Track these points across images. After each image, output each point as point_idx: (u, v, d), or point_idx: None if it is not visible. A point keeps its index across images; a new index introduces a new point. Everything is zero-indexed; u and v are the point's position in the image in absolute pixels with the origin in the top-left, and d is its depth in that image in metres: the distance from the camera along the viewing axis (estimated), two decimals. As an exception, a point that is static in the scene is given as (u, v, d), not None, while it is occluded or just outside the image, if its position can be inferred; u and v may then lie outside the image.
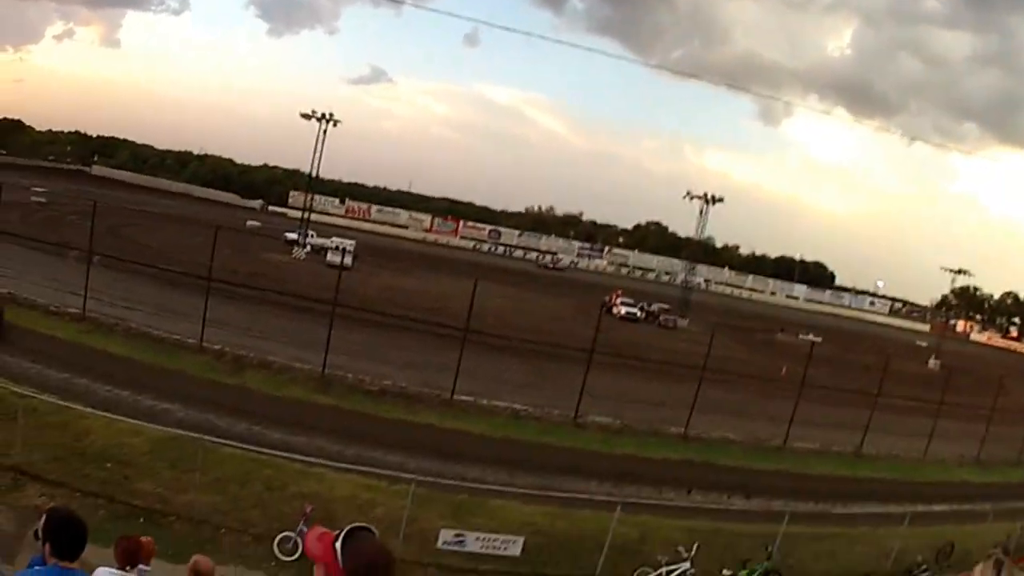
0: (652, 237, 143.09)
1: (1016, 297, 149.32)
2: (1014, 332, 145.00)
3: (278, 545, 17.13)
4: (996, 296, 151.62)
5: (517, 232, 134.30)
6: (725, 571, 19.05)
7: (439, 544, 18.26)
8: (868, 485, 30.55)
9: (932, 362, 73.69)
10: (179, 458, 19.40)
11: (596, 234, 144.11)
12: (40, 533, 5.37)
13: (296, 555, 16.87)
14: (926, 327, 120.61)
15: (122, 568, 8.00)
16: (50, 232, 49.90)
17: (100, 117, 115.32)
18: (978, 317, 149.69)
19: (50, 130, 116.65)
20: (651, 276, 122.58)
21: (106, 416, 20.93)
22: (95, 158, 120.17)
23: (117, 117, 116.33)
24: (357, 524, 3.43)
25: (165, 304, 35.09)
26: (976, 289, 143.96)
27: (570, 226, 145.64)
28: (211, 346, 30.84)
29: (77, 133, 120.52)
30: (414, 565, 18.02)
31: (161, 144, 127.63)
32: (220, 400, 25.90)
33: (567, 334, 41.71)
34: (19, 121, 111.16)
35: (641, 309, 74.23)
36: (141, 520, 17.27)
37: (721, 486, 27.31)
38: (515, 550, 18.59)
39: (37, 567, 6.09)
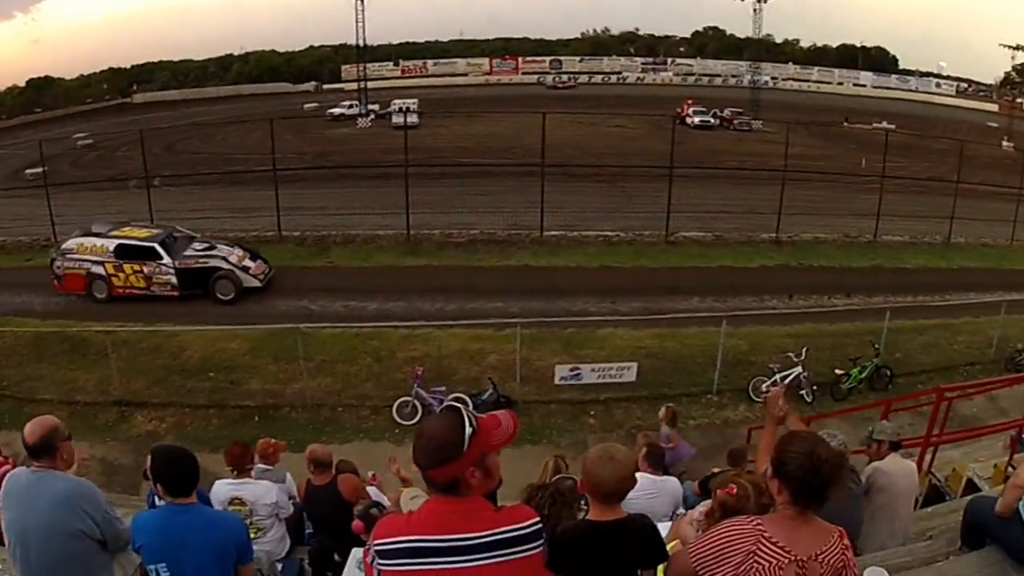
0: (712, 43, 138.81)
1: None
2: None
3: (397, 411, 18.15)
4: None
5: (577, 59, 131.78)
6: (837, 371, 20.06)
7: (557, 380, 19.18)
8: (962, 275, 30.49)
9: (1005, 143, 72.35)
10: (279, 351, 20.30)
11: (656, 47, 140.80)
12: (148, 474, 5.36)
13: (416, 419, 17.73)
14: (994, 107, 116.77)
15: (243, 474, 8.62)
16: (104, 169, 48.39)
17: (128, 49, 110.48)
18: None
19: (80, 75, 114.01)
20: (718, 81, 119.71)
21: (197, 329, 21.86)
22: (134, 88, 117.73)
23: (146, 44, 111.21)
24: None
25: (236, 205, 34.48)
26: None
27: (628, 43, 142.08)
28: (291, 234, 31.26)
29: (110, 69, 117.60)
30: (536, 404, 18.95)
31: (199, 56, 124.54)
32: (311, 284, 26.50)
33: (646, 152, 40.97)
34: (46, 77, 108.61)
35: (714, 116, 73.30)
36: (256, 419, 18.46)
37: (820, 288, 27.80)
38: (631, 376, 19.36)
39: (151, 508, 6.84)
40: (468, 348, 20.91)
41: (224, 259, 26.15)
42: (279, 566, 8.35)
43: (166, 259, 25.59)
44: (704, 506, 5.94)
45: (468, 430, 3.42)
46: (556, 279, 27.37)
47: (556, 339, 21.44)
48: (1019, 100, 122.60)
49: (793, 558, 3.68)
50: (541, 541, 3.60)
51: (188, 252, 26.34)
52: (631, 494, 6.83)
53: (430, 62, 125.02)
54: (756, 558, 3.70)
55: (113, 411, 18.79)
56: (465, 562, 3.40)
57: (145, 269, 25.56)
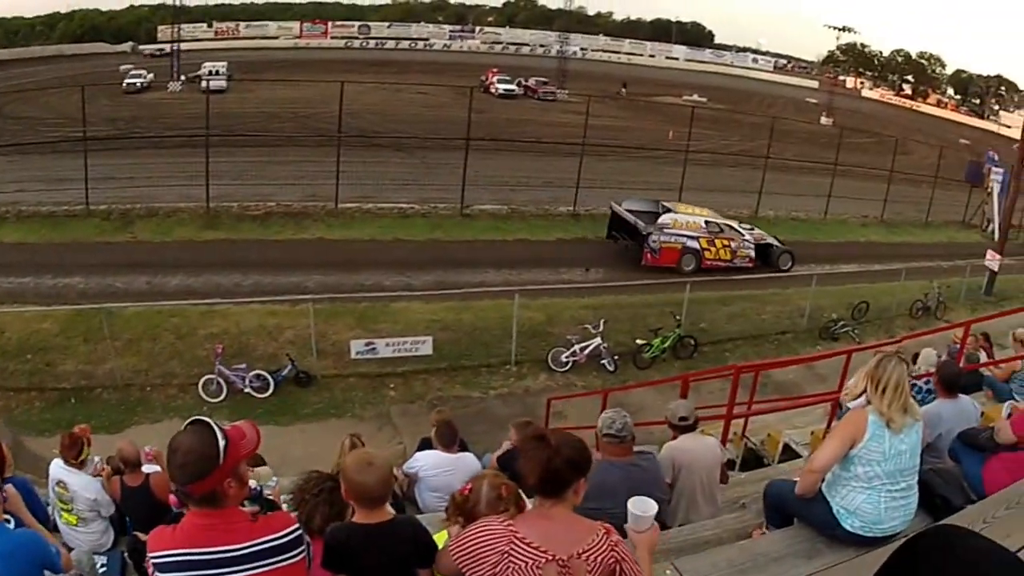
0: (523, 12, 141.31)
1: (908, 55, 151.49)
2: (908, 90, 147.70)
3: (203, 389, 18.10)
4: (886, 53, 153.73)
5: (386, 24, 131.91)
6: (638, 340, 20.68)
7: (353, 355, 19.28)
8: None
9: (824, 119, 75.09)
10: (89, 331, 19.74)
11: (466, 15, 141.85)
12: None
13: (222, 396, 18.05)
14: (814, 83, 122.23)
15: (71, 463, 8.39)
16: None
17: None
18: (868, 74, 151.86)
19: None
20: (526, 51, 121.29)
21: (13, 309, 21.19)
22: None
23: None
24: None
25: (53, 175, 33.10)
26: (864, 45, 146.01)
27: (439, 11, 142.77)
28: (98, 207, 30.14)
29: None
30: (335, 378, 19.28)
31: (30, 12, 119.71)
32: (115, 260, 25.69)
33: (447, 121, 40.37)
34: None
35: (518, 84, 74.09)
36: (72, 401, 17.91)
37: (618, 261, 28.40)
38: (427, 349, 19.70)
39: None
40: (265, 324, 21.16)
41: (775, 237, 31.20)
42: (102, 559, 8.26)
43: (747, 235, 29.78)
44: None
45: (222, 442, 3.52)
46: (351, 252, 27.46)
47: (351, 313, 21.82)
48: (841, 78, 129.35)
49: (551, 557, 3.70)
50: (302, 548, 3.80)
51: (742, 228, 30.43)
52: (429, 471, 7.72)
53: (243, 24, 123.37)
54: (511, 559, 3.72)
55: (-72, 397, 18.33)
56: (230, 574, 3.56)
57: (732, 244, 29.15)
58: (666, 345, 20.74)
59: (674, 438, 7.85)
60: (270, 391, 18.00)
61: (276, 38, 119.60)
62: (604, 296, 23.57)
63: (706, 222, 28.94)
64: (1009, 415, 6.95)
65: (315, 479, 5.39)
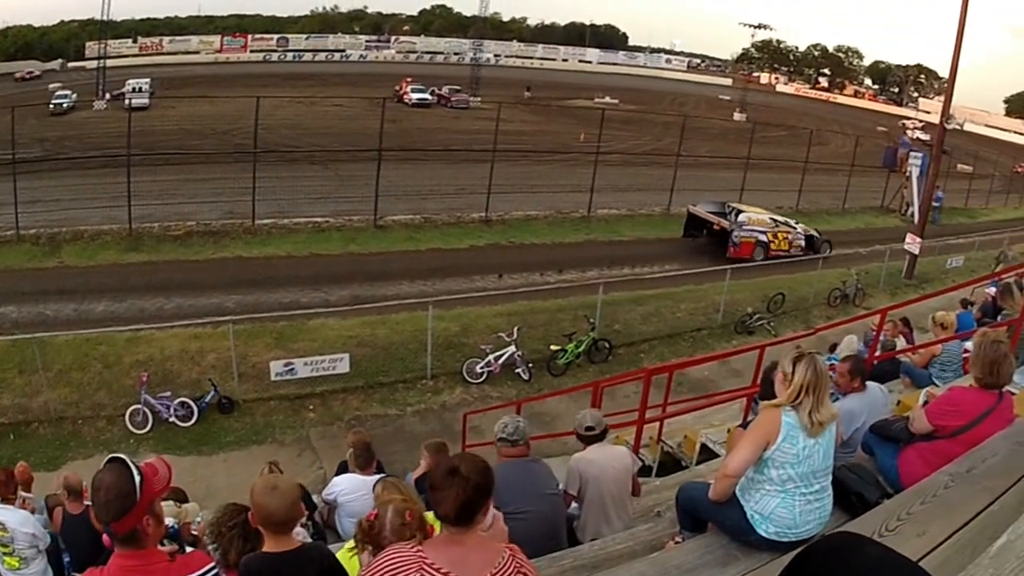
0: (438, 21, 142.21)
1: (824, 49, 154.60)
2: (824, 83, 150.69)
3: (129, 420, 17.50)
4: (802, 48, 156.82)
5: (304, 36, 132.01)
6: (553, 346, 20.52)
7: (273, 376, 18.94)
8: (683, 244, 33.10)
9: (737, 115, 75.91)
10: (23, 362, 19.10)
11: (382, 24, 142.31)
12: None
13: (148, 427, 17.44)
14: (728, 81, 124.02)
15: (7, 499, 8.38)
16: None
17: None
18: (784, 69, 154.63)
19: None
20: (440, 59, 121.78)
21: None
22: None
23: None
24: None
25: None
26: (779, 42, 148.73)
27: (356, 20, 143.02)
28: (28, 232, 29.43)
29: None
30: (256, 402, 18.83)
31: None
32: (45, 287, 25.10)
33: (361, 132, 40.53)
34: None
35: (432, 93, 74.51)
36: (12, 437, 17.30)
37: (532, 265, 28.52)
38: (344, 367, 19.43)
39: None
40: (188, 348, 20.53)
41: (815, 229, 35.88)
42: None
43: (798, 228, 34.48)
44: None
45: (137, 478, 3.53)
46: (268, 270, 27.23)
47: (269, 333, 21.36)
48: (756, 74, 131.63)
49: None
50: None
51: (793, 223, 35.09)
52: (348, 496, 7.69)
53: (166, 39, 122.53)
54: None
55: None
56: None
57: (789, 236, 33.66)
58: (580, 350, 20.68)
59: (584, 449, 7.74)
60: (194, 419, 17.54)
61: (197, 52, 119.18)
62: (519, 303, 23.54)
63: (771, 219, 34.06)
64: (925, 403, 6.73)
65: (230, 512, 5.37)
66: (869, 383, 7.87)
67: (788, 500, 5.11)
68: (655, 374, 11.60)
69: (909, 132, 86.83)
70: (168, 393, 18.00)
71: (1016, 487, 4.82)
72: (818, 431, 4.97)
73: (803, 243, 33.60)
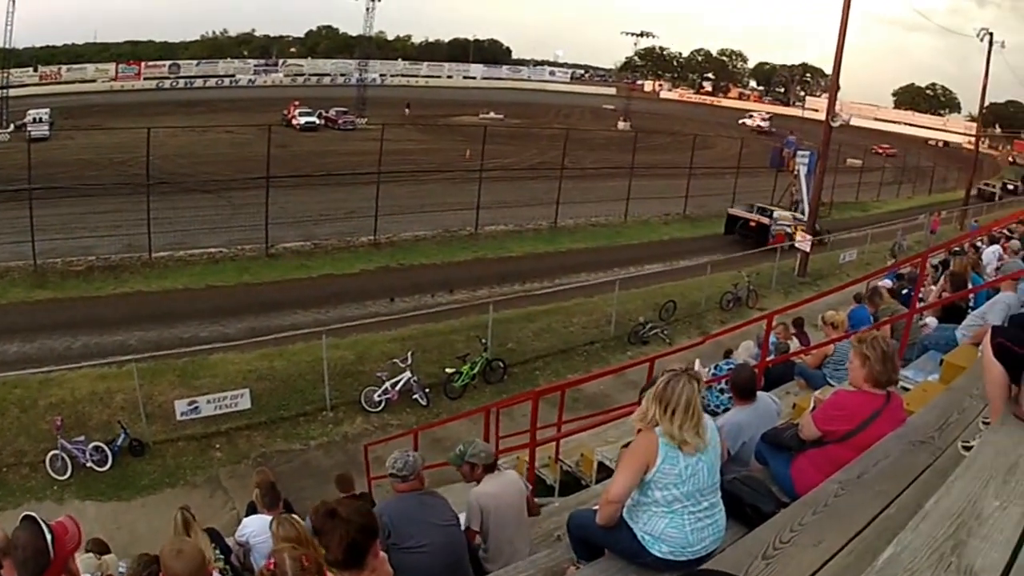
0: (324, 42, 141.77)
1: (708, 53, 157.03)
2: (708, 87, 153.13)
3: (50, 466, 16.99)
4: (685, 54, 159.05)
5: (195, 63, 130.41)
6: (448, 369, 20.50)
7: (178, 416, 18.53)
8: (571, 257, 32.82)
9: (622, 124, 76.61)
10: None
11: (270, 48, 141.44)
12: None
13: (67, 473, 16.90)
14: (612, 90, 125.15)
15: None
16: None
17: None
18: (668, 75, 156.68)
19: None
20: (327, 81, 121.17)
21: None
22: None
23: None
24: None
25: None
26: (663, 49, 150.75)
27: (245, 45, 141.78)
28: None
29: None
30: (165, 443, 18.41)
31: None
32: None
33: (251, 159, 40.91)
34: None
35: (319, 116, 74.12)
36: None
37: (422, 287, 28.52)
38: (245, 403, 19.14)
39: None
40: (96, 389, 19.99)
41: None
42: None
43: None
44: None
45: (48, 536, 3.65)
46: (168, 304, 26.81)
47: (172, 371, 20.91)
48: (639, 82, 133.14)
49: None
50: None
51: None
52: (258, 538, 7.59)
53: (64, 68, 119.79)
54: None
55: None
56: None
57: (803, 227, 37.68)
58: (475, 371, 20.70)
59: (477, 481, 7.77)
60: (109, 464, 17.08)
61: (94, 81, 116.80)
62: (412, 327, 23.45)
63: (792, 216, 40.85)
64: (814, 408, 6.73)
65: (144, 563, 5.73)
66: (760, 393, 7.87)
67: (677, 520, 5.07)
68: (544, 395, 11.52)
69: (749, 122, 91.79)
70: (82, 438, 17.58)
71: (912, 488, 4.81)
72: (696, 449, 4.91)
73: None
